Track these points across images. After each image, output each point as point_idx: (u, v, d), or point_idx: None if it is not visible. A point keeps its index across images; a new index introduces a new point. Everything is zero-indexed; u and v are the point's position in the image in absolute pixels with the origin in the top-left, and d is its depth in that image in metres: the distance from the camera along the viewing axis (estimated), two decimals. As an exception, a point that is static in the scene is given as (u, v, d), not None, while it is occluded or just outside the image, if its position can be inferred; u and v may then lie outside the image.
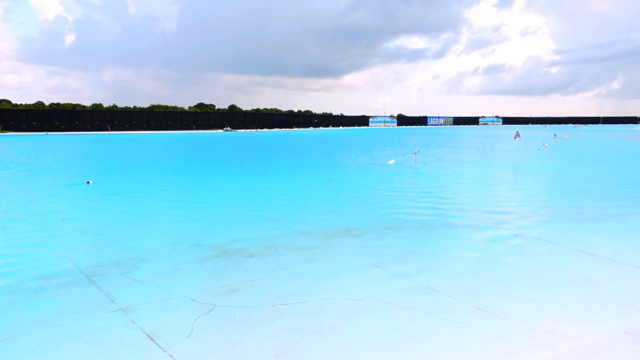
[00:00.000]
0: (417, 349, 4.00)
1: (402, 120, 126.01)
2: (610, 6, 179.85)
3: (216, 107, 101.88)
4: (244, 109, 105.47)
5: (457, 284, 5.60)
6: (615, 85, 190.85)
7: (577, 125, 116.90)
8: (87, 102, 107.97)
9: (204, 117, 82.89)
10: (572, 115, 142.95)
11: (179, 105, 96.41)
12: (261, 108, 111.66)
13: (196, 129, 77.29)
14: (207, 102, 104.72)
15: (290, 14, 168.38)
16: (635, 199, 11.57)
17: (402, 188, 13.68)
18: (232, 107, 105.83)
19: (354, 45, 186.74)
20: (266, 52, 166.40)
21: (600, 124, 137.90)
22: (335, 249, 7.10)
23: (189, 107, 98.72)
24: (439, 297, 5.16)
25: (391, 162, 21.35)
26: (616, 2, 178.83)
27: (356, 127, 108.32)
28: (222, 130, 77.08)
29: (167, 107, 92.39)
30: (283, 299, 5.09)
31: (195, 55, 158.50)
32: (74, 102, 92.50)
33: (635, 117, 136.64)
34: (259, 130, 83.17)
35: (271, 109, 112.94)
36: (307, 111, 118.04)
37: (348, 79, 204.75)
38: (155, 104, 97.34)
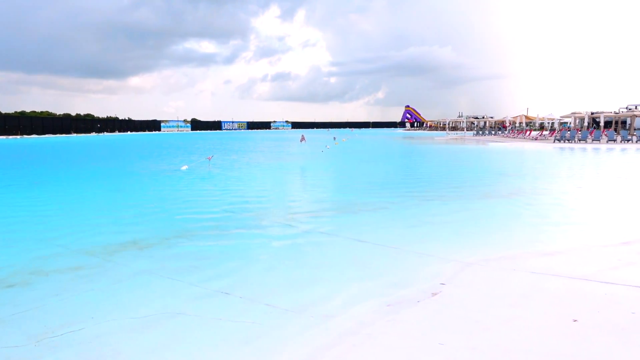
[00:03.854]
0: (210, 357, 3.94)
1: (197, 124, 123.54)
2: (373, 27, 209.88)
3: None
4: (4, 111, 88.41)
5: (249, 284, 5.74)
6: (380, 94, 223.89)
7: (353, 129, 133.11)
8: None
9: (-55, 121, 66.42)
10: (349, 120, 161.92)
11: None
12: (28, 111, 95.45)
13: None
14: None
15: (59, 5, 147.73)
16: (396, 191, 13.75)
17: (195, 194, 13.40)
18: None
19: (139, 45, 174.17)
20: (29, 46, 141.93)
21: (370, 128, 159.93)
22: (119, 265, 6.50)
23: None
24: (231, 300, 5.20)
25: (184, 168, 20.72)
26: (377, 24, 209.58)
27: (147, 133, 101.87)
28: (-27, 138, 63.11)
29: None
30: (53, 331, 4.41)
31: None
32: None
33: (395, 122, 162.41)
34: (25, 136, 70.90)
35: (42, 112, 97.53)
36: (88, 115, 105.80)
37: (135, 80, 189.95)
38: None
